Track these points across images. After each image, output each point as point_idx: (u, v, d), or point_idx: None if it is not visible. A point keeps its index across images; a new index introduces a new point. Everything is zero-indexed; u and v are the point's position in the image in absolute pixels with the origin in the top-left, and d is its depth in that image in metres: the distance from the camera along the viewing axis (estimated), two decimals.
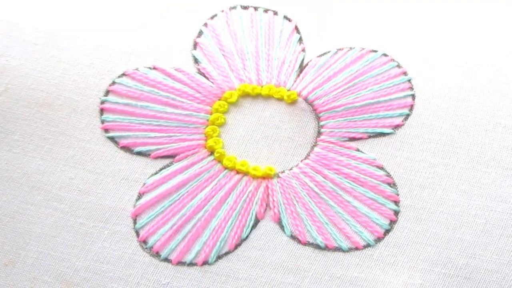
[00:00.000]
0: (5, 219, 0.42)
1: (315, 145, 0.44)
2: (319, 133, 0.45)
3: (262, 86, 0.46)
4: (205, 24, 0.48)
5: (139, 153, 0.44)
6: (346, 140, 0.44)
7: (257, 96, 0.46)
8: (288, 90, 0.46)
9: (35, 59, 0.47)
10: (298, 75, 0.46)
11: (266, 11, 0.49)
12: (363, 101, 0.45)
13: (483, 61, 0.47)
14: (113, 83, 0.46)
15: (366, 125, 0.44)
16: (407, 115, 0.44)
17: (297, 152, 0.44)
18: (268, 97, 0.46)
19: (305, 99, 0.46)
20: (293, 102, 0.46)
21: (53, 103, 0.45)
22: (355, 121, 0.44)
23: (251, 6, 0.49)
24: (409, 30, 0.48)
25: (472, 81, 0.46)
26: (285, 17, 0.49)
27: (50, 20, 0.48)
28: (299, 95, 0.46)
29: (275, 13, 0.49)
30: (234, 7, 0.49)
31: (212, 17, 0.49)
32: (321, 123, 0.45)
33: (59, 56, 0.47)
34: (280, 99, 0.46)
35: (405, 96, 0.45)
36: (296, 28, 0.48)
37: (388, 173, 0.43)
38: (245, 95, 0.46)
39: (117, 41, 0.48)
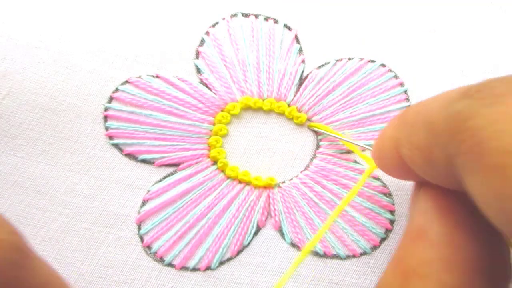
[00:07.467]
0: None
1: (314, 157, 0.45)
2: (318, 146, 0.45)
3: (263, 100, 0.46)
4: (207, 33, 0.47)
5: (143, 161, 0.44)
6: (344, 152, 0.45)
7: (259, 109, 0.46)
8: (288, 106, 0.46)
9: (38, 63, 0.45)
10: (298, 89, 0.46)
11: (266, 19, 0.48)
12: (359, 115, 0.45)
13: (479, 69, 0.47)
14: (116, 90, 0.45)
15: (363, 137, 0.45)
16: None
17: (296, 164, 0.45)
18: (269, 110, 0.46)
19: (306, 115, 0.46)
20: (293, 118, 0.46)
21: (56, 108, 0.44)
22: (352, 134, 0.45)
23: (252, 14, 0.48)
24: (406, 40, 0.48)
25: None
26: (286, 26, 0.48)
27: (53, 24, 0.47)
28: (298, 110, 0.46)
29: (276, 21, 0.48)
30: (235, 15, 0.48)
31: (213, 25, 0.48)
32: (320, 136, 0.45)
33: (61, 61, 0.46)
34: (281, 114, 0.46)
35: (401, 108, 0.45)
36: (296, 37, 0.47)
37: (384, 183, 0.44)
38: (247, 108, 0.46)
39: (119, 48, 0.46)
